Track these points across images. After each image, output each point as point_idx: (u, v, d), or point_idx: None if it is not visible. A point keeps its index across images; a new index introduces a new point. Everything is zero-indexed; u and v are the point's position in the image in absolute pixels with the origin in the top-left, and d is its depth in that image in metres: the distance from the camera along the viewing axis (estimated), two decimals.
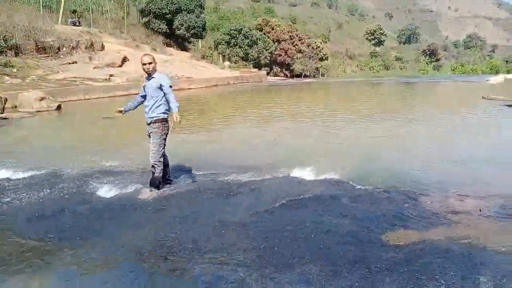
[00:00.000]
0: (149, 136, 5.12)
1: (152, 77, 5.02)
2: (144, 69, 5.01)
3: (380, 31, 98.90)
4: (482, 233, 4.04)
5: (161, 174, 5.19)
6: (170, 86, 4.97)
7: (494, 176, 6.28)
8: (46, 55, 26.06)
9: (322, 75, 67.74)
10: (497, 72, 65.01)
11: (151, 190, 5.16)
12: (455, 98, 25.99)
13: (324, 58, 70.03)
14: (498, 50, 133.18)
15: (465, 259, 3.46)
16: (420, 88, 36.59)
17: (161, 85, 4.93)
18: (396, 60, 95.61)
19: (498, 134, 10.32)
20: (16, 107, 15.30)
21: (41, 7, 37.49)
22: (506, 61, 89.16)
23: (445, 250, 3.63)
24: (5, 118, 12.84)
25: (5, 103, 13.98)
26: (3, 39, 23.25)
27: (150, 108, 5.03)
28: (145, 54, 5.10)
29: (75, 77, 23.89)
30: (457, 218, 4.44)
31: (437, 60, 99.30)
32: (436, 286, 3.06)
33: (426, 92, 31.04)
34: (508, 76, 51.21)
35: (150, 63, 4.94)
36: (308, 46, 65.98)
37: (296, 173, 6.08)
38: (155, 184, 5.19)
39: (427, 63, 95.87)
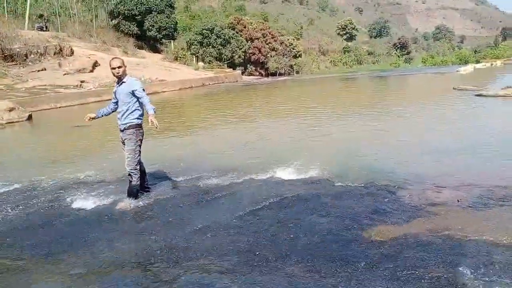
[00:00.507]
0: (124, 143, 5.01)
1: (123, 82, 4.87)
2: (113, 74, 4.85)
3: (351, 26, 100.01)
4: (461, 223, 4.12)
5: (138, 182, 5.09)
6: (143, 90, 4.85)
7: (470, 166, 6.44)
8: (13, 63, 25.33)
9: (297, 72, 68.07)
10: (466, 62, 66.61)
11: (129, 200, 5.06)
12: (427, 90, 26.53)
13: (297, 55, 70.36)
14: (466, 41, 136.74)
15: (446, 251, 3.52)
16: (392, 81, 37.24)
17: (133, 90, 4.79)
18: (368, 54, 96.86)
19: (471, 124, 10.58)
20: None
21: (6, 12, 36.43)
22: (475, 51, 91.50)
23: (426, 243, 3.69)
24: None
25: None
26: None
27: (123, 115, 4.90)
28: (113, 58, 4.97)
29: (45, 85, 23.30)
30: (436, 210, 4.52)
31: (408, 53, 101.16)
32: (419, 280, 3.09)
33: (399, 85, 31.63)
34: (477, 65, 52.61)
35: (119, 67, 4.80)
36: (281, 43, 66.16)
37: (276, 173, 6.10)
38: (133, 193, 5.08)
39: (398, 56, 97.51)
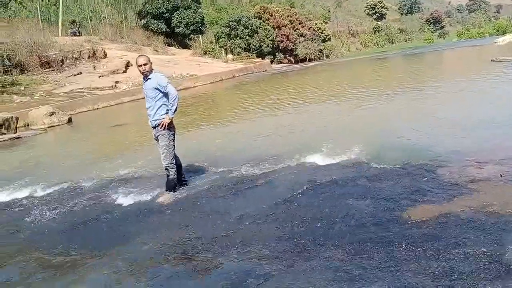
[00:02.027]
0: (157, 140, 5.11)
1: (149, 78, 4.94)
2: (140, 71, 4.93)
3: (381, 5, 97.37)
4: (505, 198, 3.98)
5: (175, 176, 5.21)
6: (170, 84, 4.96)
7: None
8: (50, 69, 26.32)
9: (327, 56, 67.08)
10: (504, 33, 63.41)
11: (168, 193, 5.18)
12: (464, 64, 25.53)
13: (326, 39, 69.28)
14: (503, 10, 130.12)
15: (490, 228, 3.41)
16: (427, 58, 36.04)
17: (159, 85, 4.88)
18: (400, 32, 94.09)
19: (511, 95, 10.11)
20: (28, 125, 15.52)
21: (40, 21, 37.79)
22: None
23: (469, 221, 3.59)
24: (18, 138, 13.02)
25: (17, 123, 14.18)
26: (7, 58, 23.50)
27: (152, 111, 4.99)
28: (140, 56, 5.03)
29: (82, 88, 24.10)
30: (478, 186, 4.37)
31: (442, 27, 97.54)
32: (463, 258, 3.02)
33: (434, 62, 30.56)
34: None
35: (145, 64, 4.86)
36: (309, 28, 65.32)
37: (311, 159, 6.05)
38: (172, 186, 5.21)
39: (431, 31, 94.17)
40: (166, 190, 5.22)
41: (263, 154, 6.82)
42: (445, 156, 5.53)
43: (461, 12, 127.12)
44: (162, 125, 4.92)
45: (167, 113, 5.00)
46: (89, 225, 4.67)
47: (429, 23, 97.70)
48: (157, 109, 4.97)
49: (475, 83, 13.35)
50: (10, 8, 44.50)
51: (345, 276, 2.98)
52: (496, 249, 3.09)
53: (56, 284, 3.43)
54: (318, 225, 3.88)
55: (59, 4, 39.92)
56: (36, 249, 4.17)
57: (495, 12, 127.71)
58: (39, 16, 40.12)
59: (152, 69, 5.00)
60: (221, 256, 3.51)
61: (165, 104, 4.99)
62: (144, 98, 5.27)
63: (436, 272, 2.91)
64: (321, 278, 2.99)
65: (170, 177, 5.15)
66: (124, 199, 5.32)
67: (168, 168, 5.09)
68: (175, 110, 4.96)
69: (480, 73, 16.10)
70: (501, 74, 14.43)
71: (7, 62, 23.44)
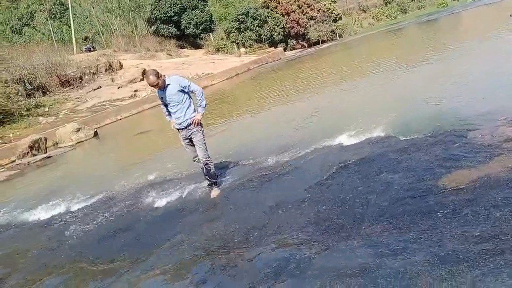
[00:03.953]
0: (187, 139, 5.13)
1: (168, 85, 4.88)
2: (156, 89, 4.87)
3: None
4: None
5: (214, 169, 5.26)
6: (190, 81, 5.03)
7: None
8: (71, 87, 26.91)
9: (340, 36, 66.03)
10: None
11: (216, 187, 5.25)
12: (482, 23, 24.67)
13: (337, 18, 68.15)
14: None
15: None
16: (442, 23, 35.00)
17: (182, 86, 4.91)
18: (412, 0, 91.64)
19: None
20: (57, 143, 15.94)
21: (55, 42, 38.65)
22: None
23: (508, 181, 3.48)
24: (49, 157, 13.39)
25: (46, 143, 14.58)
26: (28, 82, 24.16)
27: (183, 112, 4.99)
28: (147, 76, 4.73)
29: (103, 101, 24.55)
30: None
31: None
32: (505, 220, 2.94)
33: (450, 26, 29.66)
34: None
35: (157, 83, 4.73)
36: (318, 10, 64.39)
37: (338, 140, 5.98)
38: (215, 178, 5.28)
39: None
40: (211, 184, 5.27)
41: (290, 140, 6.80)
42: (475, 118, 5.37)
43: None
44: (195, 123, 4.98)
45: (195, 110, 5.06)
46: (128, 231, 4.77)
47: None
48: (186, 110, 5.00)
49: (496, 42, 12.88)
50: (24, 34, 45.63)
51: (387, 251, 2.95)
52: None
53: None
54: (354, 204, 3.85)
55: (70, 23, 40.69)
56: (80, 260, 4.31)
57: None
58: (53, 37, 41.04)
59: (164, 76, 4.93)
60: (260, 245, 3.54)
61: (191, 103, 5.05)
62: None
63: (479, 236, 2.85)
64: (363, 255, 2.97)
65: (212, 170, 5.20)
66: (158, 202, 5.42)
67: (208, 162, 5.14)
68: (205, 105, 5.06)
69: (500, 31, 15.53)
70: None
71: (29, 85, 24.09)
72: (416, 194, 3.71)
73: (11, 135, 17.40)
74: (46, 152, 14.13)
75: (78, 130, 15.82)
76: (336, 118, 7.75)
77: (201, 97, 5.00)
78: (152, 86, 4.78)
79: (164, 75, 4.92)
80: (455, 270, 2.56)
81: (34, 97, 23.94)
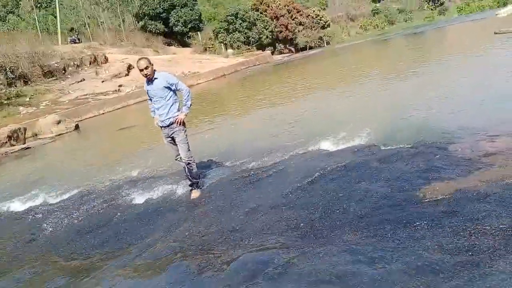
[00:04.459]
0: (169, 138, 5.08)
1: (155, 78, 4.84)
2: (143, 75, 4.80)
3: None
4: None
5: (196, 168, 5.21)
6: (178, 80, 4.99)
7: None
8: (54, 78, 26.45)
9: (327, 43, 66.52)
10: (505, 4, 62.30)
11: (196, 188, 5.18)
12: (467, 38, 25.19)
13: (325, 25, 68.72)
14: None
15: (508, 200, 3.37)
16: (428, 36, 35.61)
17: (170, 83, 4.86)
18: (400, 12, 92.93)
19: None
20: (36, 135, 15.64)
21: (39, 31, 37.95)
22: None
23: (486, 195, 3.55)
24: (28, 148, 13.13)
25: (25, 133, 14.29)
26: (10, 71, 23.66)
27: (166, 109, 4.94)
28: (139, 59, 4.83)
29: (86, 94, 24.20)
30: (491, 160, 4.32)
31: (441, 4, 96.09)
32: (483, 233, 2.99)
33: (436, 39, 30.20)
34: None
35: (147, 68, 4.71)
36: (307, 16, 64.83)
37: (321, 146, 6.03)
38: (197, 179, 5.22)
39: (431, 9, 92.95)
40: (192, 184, 5.19)
41: (273, 144, 6.82)
42: (455, 132, 5.48)
43: None
44: (179, 122, 4.92)
45: (179, 109, 5.01)
46: (105, 227, 4.70)
47: (428, 1, 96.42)
48: (170, 107, 4.93)
49: (479, 57, 13.17)
50: (8, 21, 44.72)
51: (364, 259, 2.97)
52: None
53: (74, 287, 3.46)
54: (333, 210, 3.87)
55: (56, 13, 40.02)
56: (53, 255, 4.22)
57: None
58: (38, 27, 40.29)
59: (155, 69, 4.92)
60: (238, 248, 3.52)
61: (176, 102, 4.99)
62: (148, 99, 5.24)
63: (456, 248, 2.89)
64: (341, 261, 2.98)
65: (194, 170, 5.14)
66: (138, 199, 5.35)
67: (190, 162, 5.08)
68: (190, 105, 5.00)
69: (485, 47, 15.88)
70: (506, 46, 14.21)
71: (10, 74, 23.59)
72: (395, 203, 3.75)
73: None
74: (25, 143, 13.85)
75: (58, 122, 15.56)
76: (321, 124, 7.80)
77: (187, 96, 4.94)
78: (141, 70, 4.73)
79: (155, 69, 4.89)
80: (430, 281, 2.59)
81: (15, 86, 23.47)
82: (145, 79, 4.90)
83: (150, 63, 4.77)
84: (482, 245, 2.85)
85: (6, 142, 13.31)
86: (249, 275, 3.06)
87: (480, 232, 3.01)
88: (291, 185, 4.73)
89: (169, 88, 4.87)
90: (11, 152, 12.58)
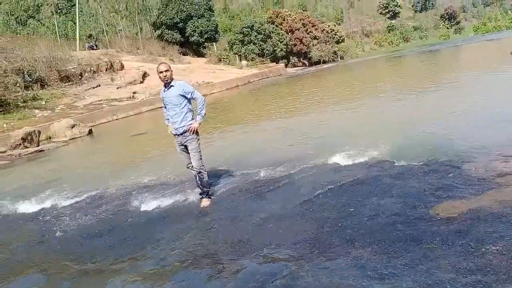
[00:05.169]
0: (183, 146, 5.12)
1: (171, 86, 4.96)
2: (161, 78, 4.92)
3: (394, 3, 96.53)
4: None
5: (207, 177, 5.23)
6: (194, 88, 5.08)
7: None
8: (70, 83, 26.85)
9: (341, 58, 66.74)
10: None
11: (206, 197, 5.18)
12: (482, 58, 25.06)
13: (340, 40, 68.98)
14: None
15: None
16: (443, 54, 35.50)
17: (185, 92, 4.94)
18: (415, 30, 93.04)
19: None
20: (50, 138, 15.84)
21: (58, 36, 38.67)
22: None
23: (499, 215, 3.50)
24: (41, 151, 13.29)
25: (39, 136, 14.48)
26: (28, 74, 24.08)
27: (179, 117, 5.00)
28: (160, 63, 5.06)
29: (101, 100, 24.50)
30: (505, 180, 4.27)
31: (457, 23, 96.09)
32: (496, 253, 2.95)
33: (451, 57, 30.09)
34: None
35: (167, 71, 4.88)
36: (322, 31, 65.17)
37: (333, 159, 5.99)
38: (208, 188, 5.23)
39: (447, 28, 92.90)
40: (203, 193, 5.20)
41: (285, 156, 6.80)
42: (470, 151, 5.42)
43: (476, 7, 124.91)
44: (192, 131, 4.97)
45: (193, 118, 5.06)
46: (115, 232, 4.72)
47: (444, 19, 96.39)
48: (184, 116, 5.00)
49: (496, 77, 13.07)
50: (28, 26, 45.67)
51: (374, 275, 2.94)
52: None
53: None
54: (344, 225, 3.84)
55: (75, 19, 40.80)
56: (62, 257, 4.24)
57: (511, 5, 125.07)
58: (57, 32, 41.09)
59: (173, 77, 5.04)
60: (246, 258, 3.51)
61: (190, 110, 5.05)
62: (161, 107, 5.32)
63: (467, 268, 2.85)
64: (350, 276, 2.96)
65: (205, 179, 5.15)
66: (148, 206, 5.37)
67: (201, 170, 5.10)
68: (204, 114, 5.06)
69: (501, 67, 15.77)
70: None
71: (28, 77, 24.01)
72: (407, 220, 3.71)
73: (4, 125, 17.27)
74: (38, 145, 14.02)
75: (73, 126, 15.74)
76: (334, 137, 7.79)
77: (202, 105, 5.01)
78: (160, 72, 4.88)
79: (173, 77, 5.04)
80: None
81: (32, 89, 23.86)
82: (162, 86, 5.04)
83: (170, 68, 4.96)
84: (494, 266, 2.81)
85: (20, 144, 13.49)
86: (258, 286, 3.05)
87: (493, 253, 2.96)
88: (301, 197, 4.72)
89: (184, 96, 4.94)
90: (25, 154, 12.75)
